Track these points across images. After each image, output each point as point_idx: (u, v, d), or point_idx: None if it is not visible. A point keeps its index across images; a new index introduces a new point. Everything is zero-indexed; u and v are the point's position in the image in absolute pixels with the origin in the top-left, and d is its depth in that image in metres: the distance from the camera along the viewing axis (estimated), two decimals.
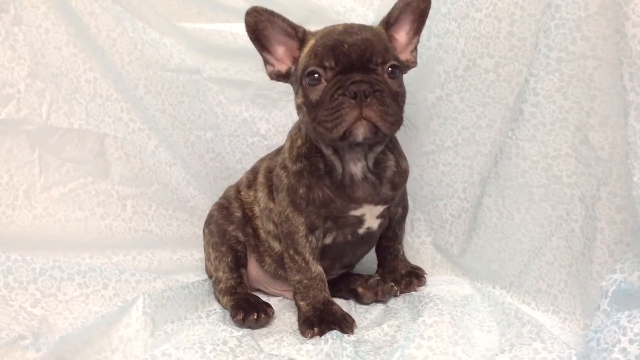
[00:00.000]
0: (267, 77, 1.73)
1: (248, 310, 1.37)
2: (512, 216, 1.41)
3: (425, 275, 1.54)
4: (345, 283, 1.53)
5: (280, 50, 1.32)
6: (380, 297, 1.47)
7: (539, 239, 1.36)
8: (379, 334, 1.27)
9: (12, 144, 1.55)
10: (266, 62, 1.35)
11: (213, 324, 1.36)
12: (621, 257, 1.14)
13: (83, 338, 1.24)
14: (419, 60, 1.37)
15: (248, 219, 1.55)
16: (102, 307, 1.35)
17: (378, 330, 1.28)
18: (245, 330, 1.32)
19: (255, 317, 1.35)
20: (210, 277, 1.60)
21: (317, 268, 1.39)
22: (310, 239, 1.38)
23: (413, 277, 1.52)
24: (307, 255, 1.38)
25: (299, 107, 1.29)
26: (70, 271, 1.41)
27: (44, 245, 1.53)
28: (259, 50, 1.33)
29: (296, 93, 1.30)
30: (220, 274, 1.53)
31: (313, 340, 1.26)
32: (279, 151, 1.52)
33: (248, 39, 1.66)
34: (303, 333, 1.31)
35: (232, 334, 1.24)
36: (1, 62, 1.54)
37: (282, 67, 1.34)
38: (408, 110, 1.26)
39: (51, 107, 1.59)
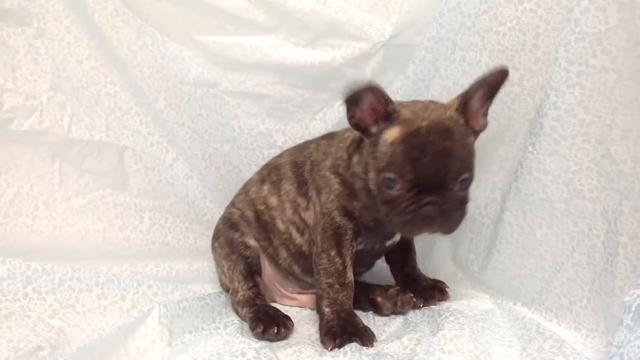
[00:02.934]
0: (283, 91, 1.75)
1: (268, 323, 1.36)
2: (533, 232, 1.39)
3: (447, 289, 1.53)
4: (364, 294, 1.52)
5: (366, 112, 1.29)
6: (399, 307, 1.46)
7: (560, 255, 1.35)
8: (399, 347, 1.26)
9: (33, 155, 1.56)
10: (349, 110, 1.30)
11: (231, 335, 1.35)
12: None
13: (100, 349, 1.24)
14: (443, 72, 1.37)
15: (260, 215, 1.56)
16: (120, 319, 1.35)
17: (398, 344, 1.27)
18: (264, 342, 1.31)
19: (276, 330, 1.34)
20: (227, 290, 1.59)
21: (351, 275, 1.39)
22: (353, 243, 1.40)
23: (436, 291, 1.51)
24: (348, 259, 1.39)
25: (364, 171, 1.31)
26: (88, 282, 1.42)
27: (63, 255, 1.53)
28: (346, 102, 1.28)
29: (370, 166, 1.29)
30: (236, 284, 1.53)
31: (332, 353, 1.25)
32: (302, 147, 1.55)
33: (266, 52, 1.68)
34: (324, 343, 1.30)
35: (251, 345, 1.23)
36: (24, 74, 1.56)
37: (363, 123, 1.30)
38: None
39: (72, 120, 1.61)
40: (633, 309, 1.06)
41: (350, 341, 1.26)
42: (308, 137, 1.71)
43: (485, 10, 1.42)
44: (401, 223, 1.25)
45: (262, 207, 1.56)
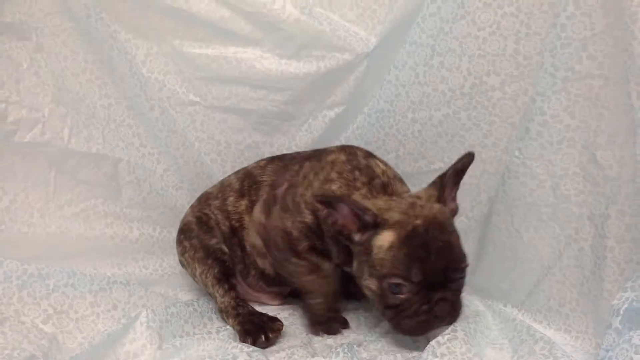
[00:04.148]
0: (269, 106, 1.72)
1: (255, 333, 1.35)
2: (520, 235, 1.40)
3: None
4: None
5: (349, 218, 1.24)
6: None
7: (548, 259, 1.35)
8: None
9: (32, 164, 1.61)
10: (330, 215, 1.26)
11: (223, 341, 1.33)
12: (632, 275, 1.14)
13: (91, 356, 1.24)
14: (422, 78, 1.37)
15: (235, 230, 1.53)
16: (110, 326, 1.35)
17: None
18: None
19: (264, 338, 1.33)
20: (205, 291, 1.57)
21: (325, 264, 1.39)
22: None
23: None
24: (311, 256, 1.38)
25: (367, 283, 1.25)
26: (82, 290, 1.42)
27: (56, 262, 1.53)
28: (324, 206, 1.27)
29: (366, 273, 1.24)
30: (211, 289, 1.50)
31: (324, 353, 1.25)
32: (285, 167, 1.50)
33: (251, 64, 1.67)
34: (316, 333, 1.38)
35: (243, 349, 1.23)
36: (27, 87, 1.60)
37: (346, 230, 1.26)
38: (416, 126, 1.24)
39: (72, 132, 1.65)
40: (621, 312, 1.07)
41: (335, 329, 1.38)
42: (295, 149, 1.71)
43: (463, 15, 1.41)
44: (413, 326, 1.21)
45: (237, 225, 1.53)
